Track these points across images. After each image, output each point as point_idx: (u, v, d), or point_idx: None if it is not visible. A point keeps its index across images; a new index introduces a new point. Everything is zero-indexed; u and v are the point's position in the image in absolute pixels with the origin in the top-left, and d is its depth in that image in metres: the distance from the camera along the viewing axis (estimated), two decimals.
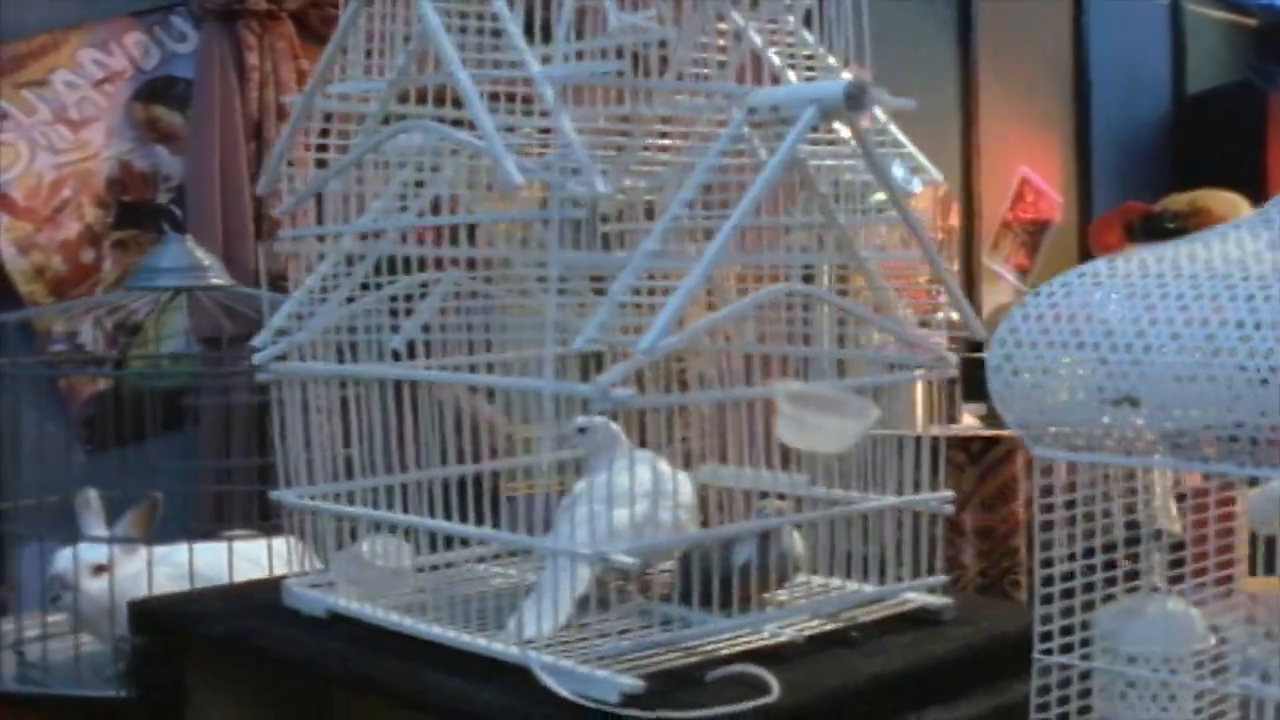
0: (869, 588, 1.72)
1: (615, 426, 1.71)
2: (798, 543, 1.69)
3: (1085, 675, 1.52)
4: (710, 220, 1.69)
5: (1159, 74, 6.18)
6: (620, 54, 1.46)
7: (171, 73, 3.86)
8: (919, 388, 4.45)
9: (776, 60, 1.73)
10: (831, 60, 1.78)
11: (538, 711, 1.44)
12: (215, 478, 3.33)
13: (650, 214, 1.80)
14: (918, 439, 1.70)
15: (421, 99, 1.73)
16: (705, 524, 1.75)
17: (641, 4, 1.57)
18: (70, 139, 3.73)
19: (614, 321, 1.44)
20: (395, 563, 1.72)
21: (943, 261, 1.66)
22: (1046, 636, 1.49)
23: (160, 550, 2.33)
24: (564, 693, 1.43)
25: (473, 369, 1.77)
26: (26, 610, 2.64)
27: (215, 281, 2.69)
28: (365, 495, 1.76)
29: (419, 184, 1.75)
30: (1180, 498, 1.57)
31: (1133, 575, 1.56)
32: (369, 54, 1.69)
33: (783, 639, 1.60)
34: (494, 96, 1.73)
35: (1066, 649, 1.50)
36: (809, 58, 1.77)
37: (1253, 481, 1.56)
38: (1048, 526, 1.47)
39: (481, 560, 1.88)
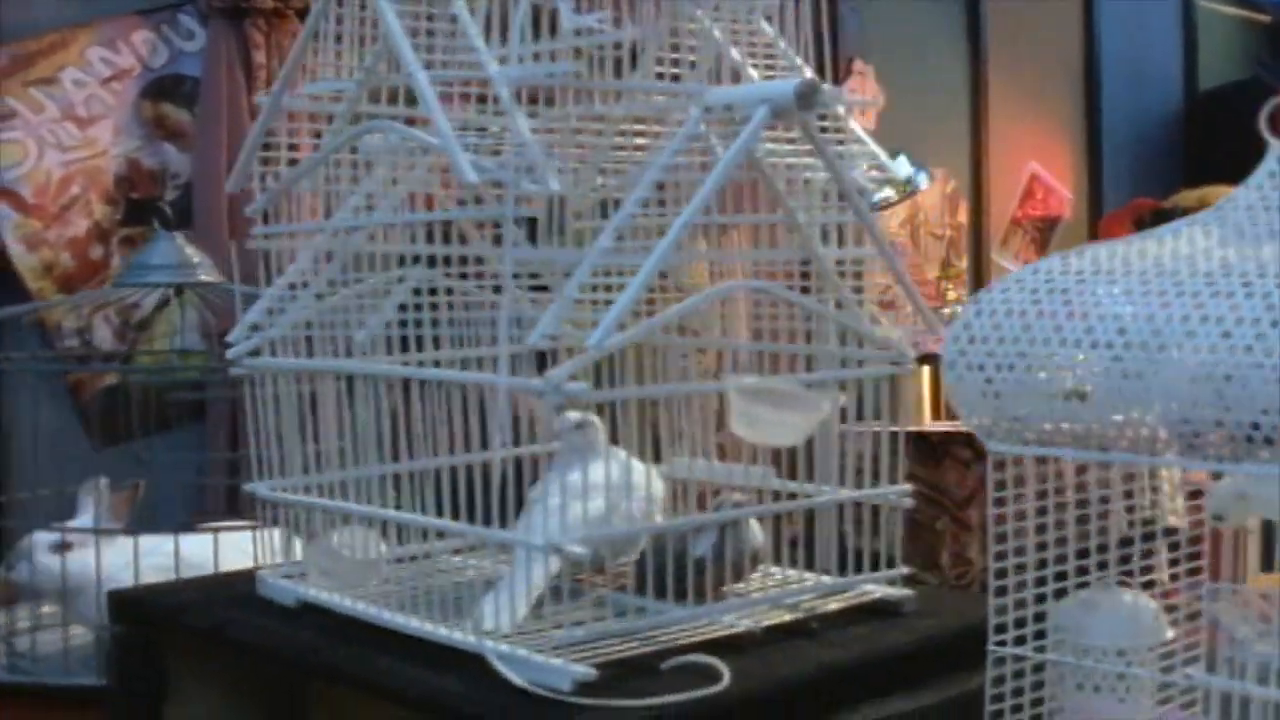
0: (828, 579, 1.74)
1: (596, 423, 1.74)
2: (758, 535, 1.72)
3: (1041, 667, 1.54)
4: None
5: (1170, 70, 6.18)
6: (577, 54, 1.49)
7: (179, 71, 3.90)
8: (925, 380, 4.52)
9: (737, 57, 1.76)
10: (797, 60, 1.80)
11: (493, 699, 1.47)
12: (226, 470, 3.38)
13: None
14: (876, 434, 1.73)
15: (394, 99, 1.77)
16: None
17: (596, 5, 1.60)
18: (78, 136, 3.78)
19: (571, 318, 1.47)
20: (366, 554, 1.75)
21: (897, 259, 1.68)
22: (1001, 628, 1.51)
23: (149, 541, 2.36)
24: (518, 680, 1.46)
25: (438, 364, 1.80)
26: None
27: (204, 278, 2.73)
28: (336, 487, 1.79)
29: (393, 182, 1.78)
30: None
31: (1089, 569, 1.59)
32: (339, 55, 1.72)
33: (739, 629, 1.63)
34: (465, 98, 1.76)
35: (1022, 641, 1.53)
36: (770, 57, 1.79)
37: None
38: (1001, 521, 1.50)
39: (458, 552, 1.91)
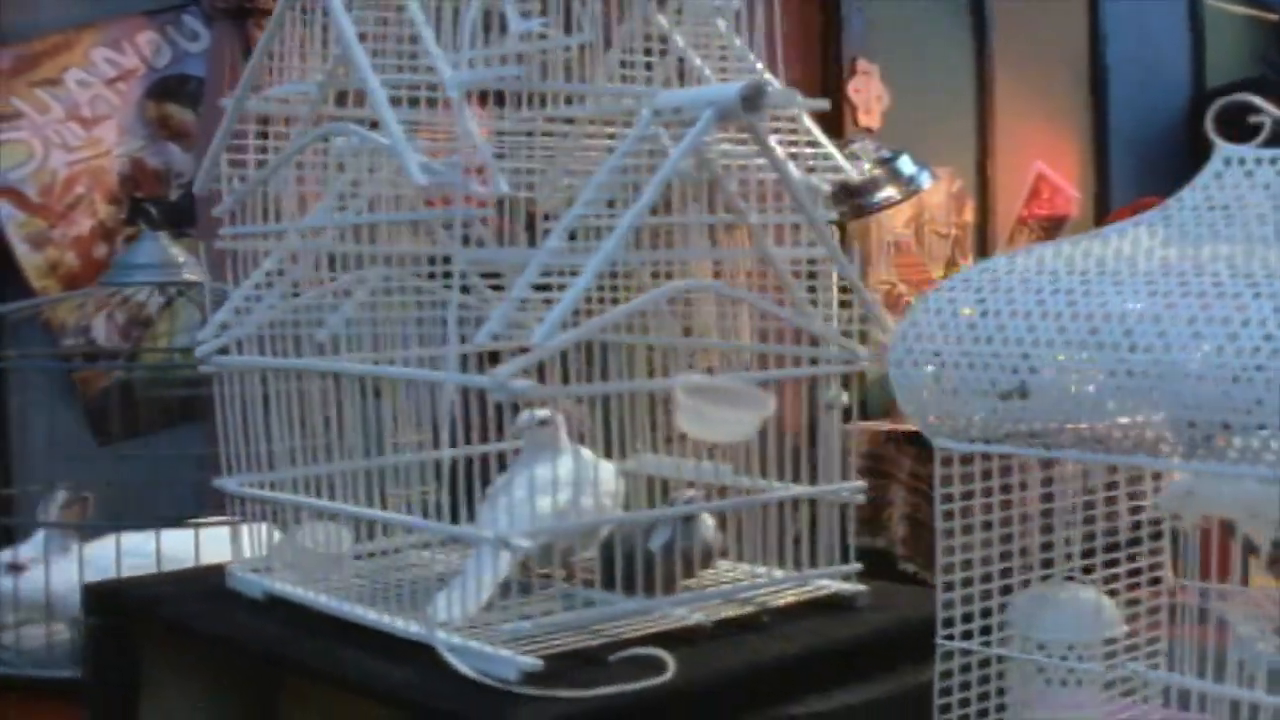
0: (780, 574, 1.77)
1: (559, 420, 1.77)
2: (713, 530, 1.75)
3: (993, 661, 1.57)
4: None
5: (1177, 69, 6.18)
6: (522, 58, 1.52)
7: (183, 71, 3.94)
8: None
9: (697, 61, 1.78)
10: (758, 63, 1.83)
11: (442, 688, 1.50)
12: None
13: None
14: (824, 430, 1.75)
15: (361, 101, 1.80)
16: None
17: (543, 11, 1.63)
18: (83, 136, 3.82)
19: (519, 317, 1.50)
20: (332, 548, 1.78)
21: (846, 259, 1.70)
22: (949, 622, 1.54)
23: (133, 538, 2.41)
24: (466, 670, 1.50)
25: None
26: None
27: (189, 278, 2.77)
28: (306, 482, 1.82)
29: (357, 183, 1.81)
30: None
31: (1046, 564, 1.62)
32: (302, 58, 1.75)
33: (690, 623, 1.66)
34: (431, 102, 1.79)
35: (969, 636, 1.55)
36: (725, 59, 1.82)
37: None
38: (948, 516, 1.52)
39: (427, 546, 1.94)
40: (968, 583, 1.54)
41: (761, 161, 1.69)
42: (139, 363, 3.68)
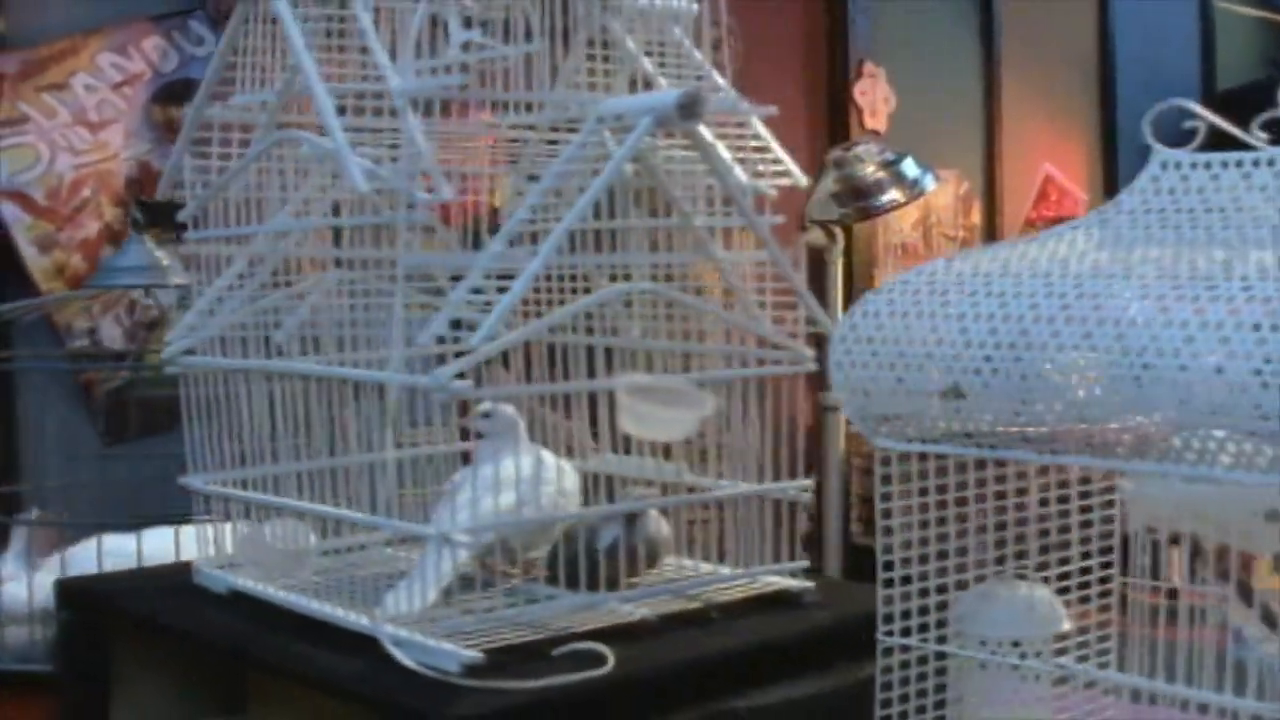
0: (727, 570, 1.81)
1: (514, 415, 1.81)
2: (663, 527, 1.78)
3: (938, 656, 1.60)
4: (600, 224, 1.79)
5: (1187, 71, 6.17)
6: (465, 68, 1.56)
7: (189, 75, 3.97)
8: None
9: (650, 68, 1.82)
10: (712, 70, 1.86)
11: (384, 680, 1.55)
12: None
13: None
14: (778, 429, 1.79)
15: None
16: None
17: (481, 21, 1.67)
18: (90, 140, 3.87)
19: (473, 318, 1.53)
20: (295, 545, 1.83)
21: (787, 260, 1.74)
22: (889, 618, 1.57)
23: (114, 539, 2.46)
24: (408, 663, 1.54)
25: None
26: None
27: (175, 281, 2.81)
28: (268, 480, 1.86)
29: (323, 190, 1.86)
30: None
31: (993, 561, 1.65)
32: (262, 67, 1.79)
33: (635, 617, 1.70)
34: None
35: (908, 632, 1.59)
36: (678, 65, 1.86)
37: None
38: (888, 514, 1.55)
39: (389, 544, 1.98)
40: (911, 579, 1.58)
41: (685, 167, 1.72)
42: (144, 363, 3.72)
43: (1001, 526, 1.65)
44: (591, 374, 1.87)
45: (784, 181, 1.80)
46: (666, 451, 1.83)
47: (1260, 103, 1.50)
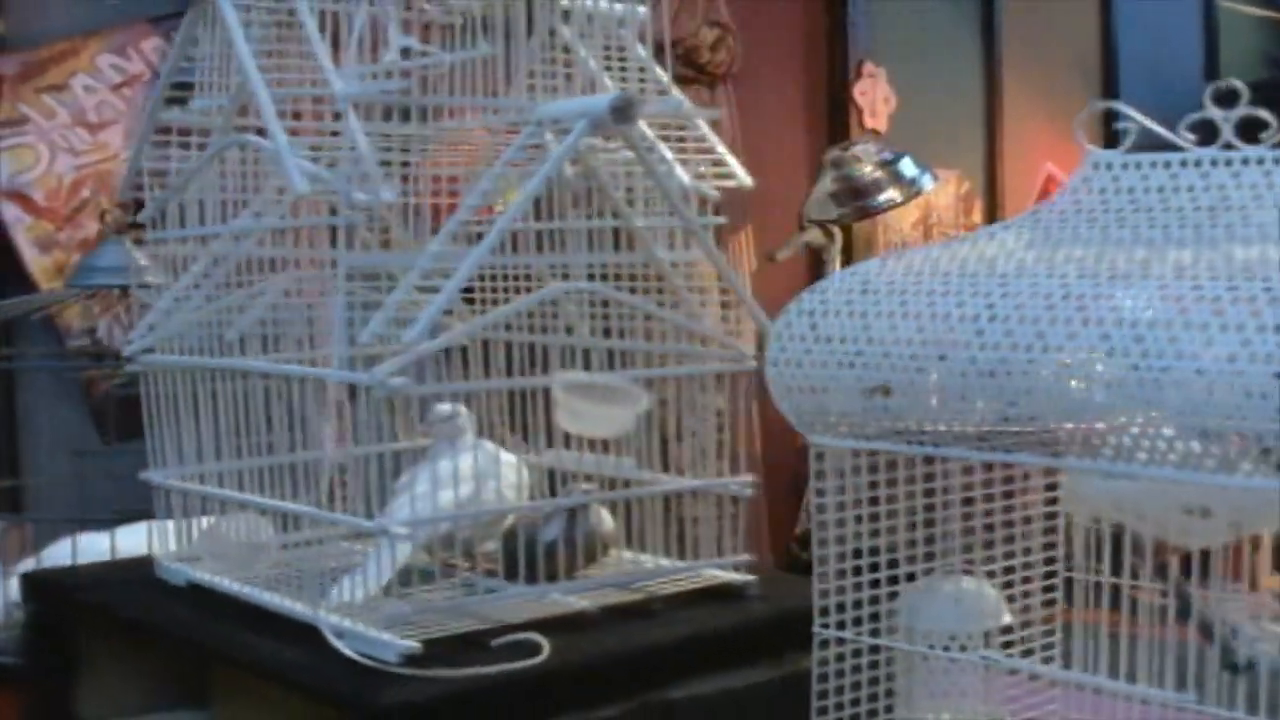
0: (667, 563, 1.84)
1: (466, 414, 1.84)
2: (606, 521, 1.82)
3: (872, 650, 1.63)
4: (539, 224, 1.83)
5: (1190, 70, 6.16)
6: (406, 74, 1.60)
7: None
8: None
9: (595, 70, 1.85)
10: (661, 74, 1.89)
11: (325, 668, 1.59)
12: None
13: None
14: (722, 426, 1.82)
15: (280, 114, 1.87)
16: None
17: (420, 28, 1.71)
18: (89, 141, 3.92)
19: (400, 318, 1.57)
20: (253, 539, 1.87)
21: (724, 260, 1.77)
22: (825, 611, 1.60)
23: (89, 537, 2.50)
24: (347, 651, 1.58)
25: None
26: None
27: (152, 281, 2.85)
28: (226, 475, 1.90)
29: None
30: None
31: (929, 556, 1.67)
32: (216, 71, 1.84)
33: (576, 609, 1.73)
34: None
35: (842, 625, 1.61)
36: (638, 70, 1.89)
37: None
38: (822, 509, 1.58)
39: (347, 539, 2.02)
40: (845, 574, 1.61)
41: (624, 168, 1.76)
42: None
43: (935, 522, 1.67)
44: (546, 372, 1.91)
45: (729, 183, 1.83)
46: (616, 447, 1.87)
47: (1264, 102, 1.51)
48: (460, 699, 1.53)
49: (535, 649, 1.60)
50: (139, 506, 2.52)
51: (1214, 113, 1.57)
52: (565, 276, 1.86)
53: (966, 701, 1.67)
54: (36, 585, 2.03)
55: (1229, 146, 1.54)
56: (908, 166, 4.62)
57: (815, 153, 4.77)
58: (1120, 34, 5.94)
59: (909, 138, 4.95)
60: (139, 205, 3.84)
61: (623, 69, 1.86)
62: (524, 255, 1.77)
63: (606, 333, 1.90)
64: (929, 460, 1.62)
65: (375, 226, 1.91)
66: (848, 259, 4.64)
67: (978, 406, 1.49)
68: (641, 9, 1.90)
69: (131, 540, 2.45)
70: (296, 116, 1.81)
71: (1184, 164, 1.57)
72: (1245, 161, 1.52)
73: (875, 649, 1.62)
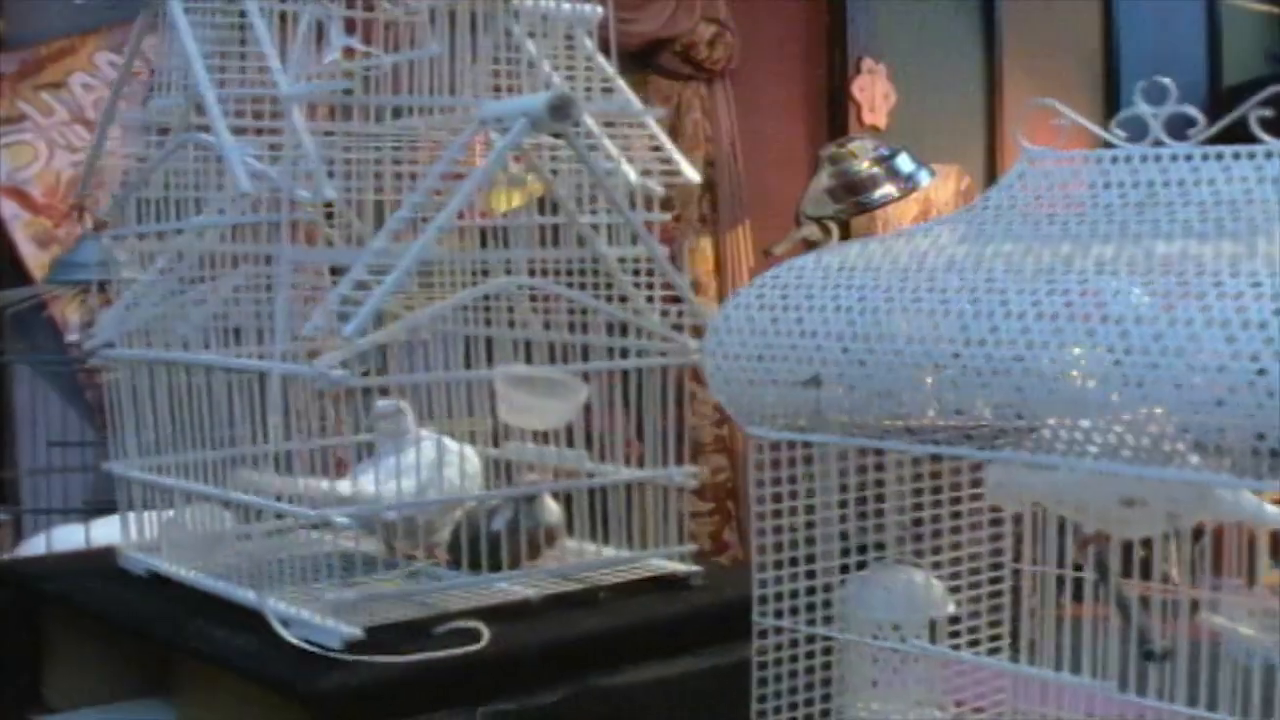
0: (610, 552, 1.88)
1: (405, 409, 1.88)
2: (554, 512, 1.85)
3: (802, 640, 1.65)
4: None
5: (1194, 66, 6.16)
6: (349, 74, 1.64)
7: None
8: None
9: (548, 70, 1.89)
10: (611, 72, 1.92)
11: (270, 655, 1.63)
12: None
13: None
14: (667, 419, 1.85)
15: (240, 113, 1.91)
16: None
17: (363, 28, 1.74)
18: (87, 138, 3.96)
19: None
20: (212, 529, 1.90)
21: (664, 255, 1.80)
22: (764, 600, 1.63)
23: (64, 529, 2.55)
24: (290, 638, 1.62)
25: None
26: None
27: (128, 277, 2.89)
28: (186, 468, 1.94)
29: None
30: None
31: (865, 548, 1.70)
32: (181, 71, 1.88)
33: (520, 597, 1.77)
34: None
35: (779, 614, 1.64)
36: (594, 70, 1.92)
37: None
38: (761, 500, 1.61)
39: (315, 528, 2.05)
40: (787, 564, 1.63)
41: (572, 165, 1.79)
42: None
43: (878, 514, 1.70)
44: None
45: (677, 180, 1.86)
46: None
47: (1267, 99, 1.53)
48: (398, 684, 1.57)
49: (475, 635, 1.63)
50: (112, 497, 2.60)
51: (1143, 109, 1.59)
52: (535, 273, 1.88)
53: (909, 691, 1.69)
54: (3, 575, 2.07)
55: (1159, 143, 1.56)
56: (904, 162, 4.64)
57: (814, 149, 4.80)
58: (1123, 28, 5.94)
59: (910, 133, 4.97)
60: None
61: (570, 67, 1.89)
62: (471, 251, 1.80)
63: (553, 326, 1.93)
64: (876, 452, 1.65)
65: (339, 223, 1.95)
66: None
67: (904, 399, 1.51)
68: (594, 8, 1.93)
69: (106, 531, 2.49)
70: (259, 116, 1.85)
71: (1114, 160, 1.60)
72: (1174, 158, 1.54)
73: (817, 639, 1.65)
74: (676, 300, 1.84)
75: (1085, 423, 1.57)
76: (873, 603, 1.67)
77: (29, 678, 2.04)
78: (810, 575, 1.63)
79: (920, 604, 1.68)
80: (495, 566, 1.78)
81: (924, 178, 4.69)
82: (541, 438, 1.92)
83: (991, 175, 5.59)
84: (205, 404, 1.83)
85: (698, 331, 1.83)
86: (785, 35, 5.09)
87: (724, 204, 4.98)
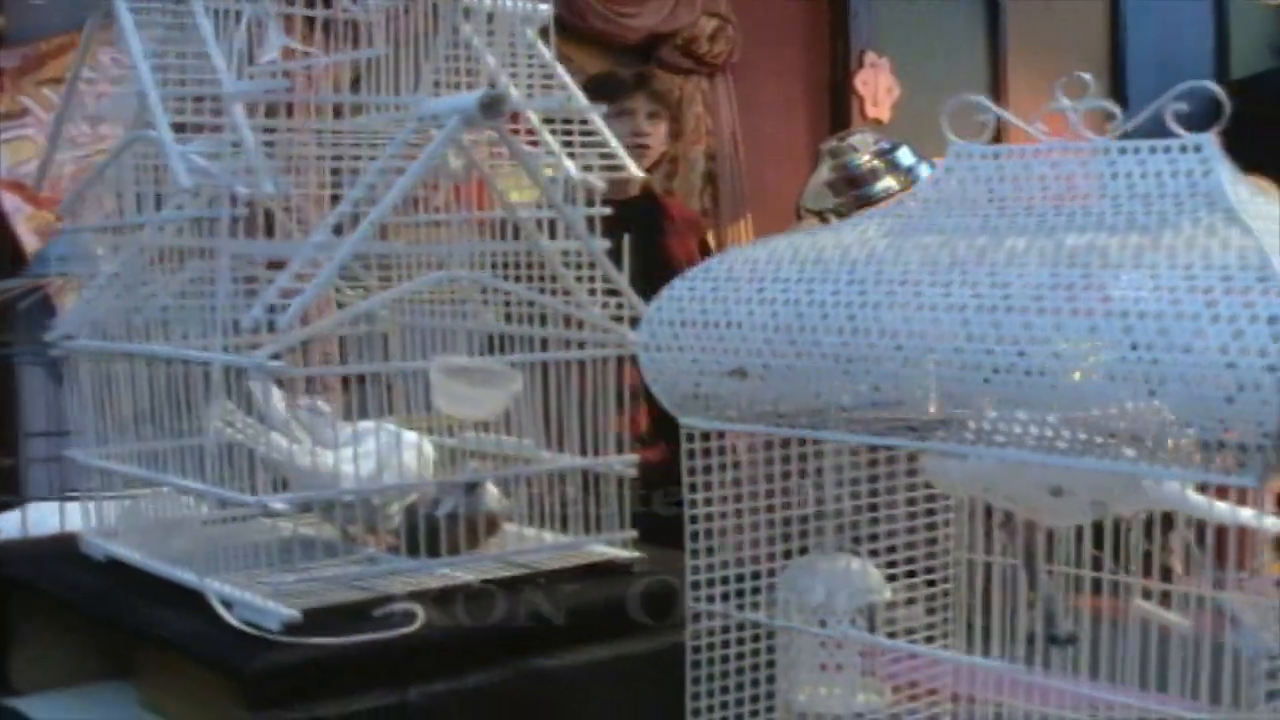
0: (550, 537, 1.92)
1: (323, 406, 1.92)
2: (497, 498, 1.90)
3: (751, 625, 1.69)
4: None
5: (1200, 59, 6.17)
6: (288, 73, 1.69)
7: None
8: None
9: (493, 66, 1.93)
10: (562, 72, 1.96)
11: (212, 635, 1.68)
12: None
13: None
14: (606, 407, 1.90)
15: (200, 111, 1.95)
16: None
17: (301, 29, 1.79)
18: (89, 133, 4.01)
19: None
20: (168, 515, 1.95)
21: (600, 248, 1.84)
22: (696, 585, 1.67)
23: (40, 510, 2.61)
24: (230, 619, 1.67)
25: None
26: None
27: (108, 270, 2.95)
28: (142, 456, 1.99)
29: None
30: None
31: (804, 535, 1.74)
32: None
33: (460, 581, 1.81)
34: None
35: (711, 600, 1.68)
36: (541, 67, 1.96)
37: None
38: (694, 488, 1.65)
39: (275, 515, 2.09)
40: (718, 550, 1.67)
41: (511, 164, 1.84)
42: None
43: (816, 501, 1.73)
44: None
45: (619, 175, 1.90)
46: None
47: (1274, 91, 1.55)
48: (332, 664, 1.61)
49: (411, 618, 1.68)
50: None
51: (1064, 104, 1.62)
52: (484, 266, 1.92)
53: (849, 676, 1.73)
54: None
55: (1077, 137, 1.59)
56: (905, 155, 4.66)
57: (815, 142, 4.82)
58: (1128, 22, 5.95)
59: (913, 127, 4.99)
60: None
61: (513, 64, 1.93)
62: (408, 245, 1.85)
63: (509, 318, 1.97)
64: (813, 440, 1.69)
65: (294, 216, 1.99)
66: None
67: (821, 391, 1.55)
68: (543, 6, 1.97)
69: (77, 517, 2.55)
70: (216, 114, 1.90)
71: (1036, 154, 1.63)
72: (1094, 151, 1.57)
73: (752, 625, 1.69)
74: (615, 293, 1.88)
75: (1022, 413, 1.61)
76: (808, 588, 1.71)
77: None
78: (749, 562, 1.67)
79: (856, 590, 1.71)
80: (437, 552, 1.83)
81: (925, 171, 4.70)
82: (489, 428, 1.96)
83: None
84: (163, 394, 1.88)
85: (635, 323, 1.88)
86: (787, 29, 5.12)
87: (725, 198, 5.03)
